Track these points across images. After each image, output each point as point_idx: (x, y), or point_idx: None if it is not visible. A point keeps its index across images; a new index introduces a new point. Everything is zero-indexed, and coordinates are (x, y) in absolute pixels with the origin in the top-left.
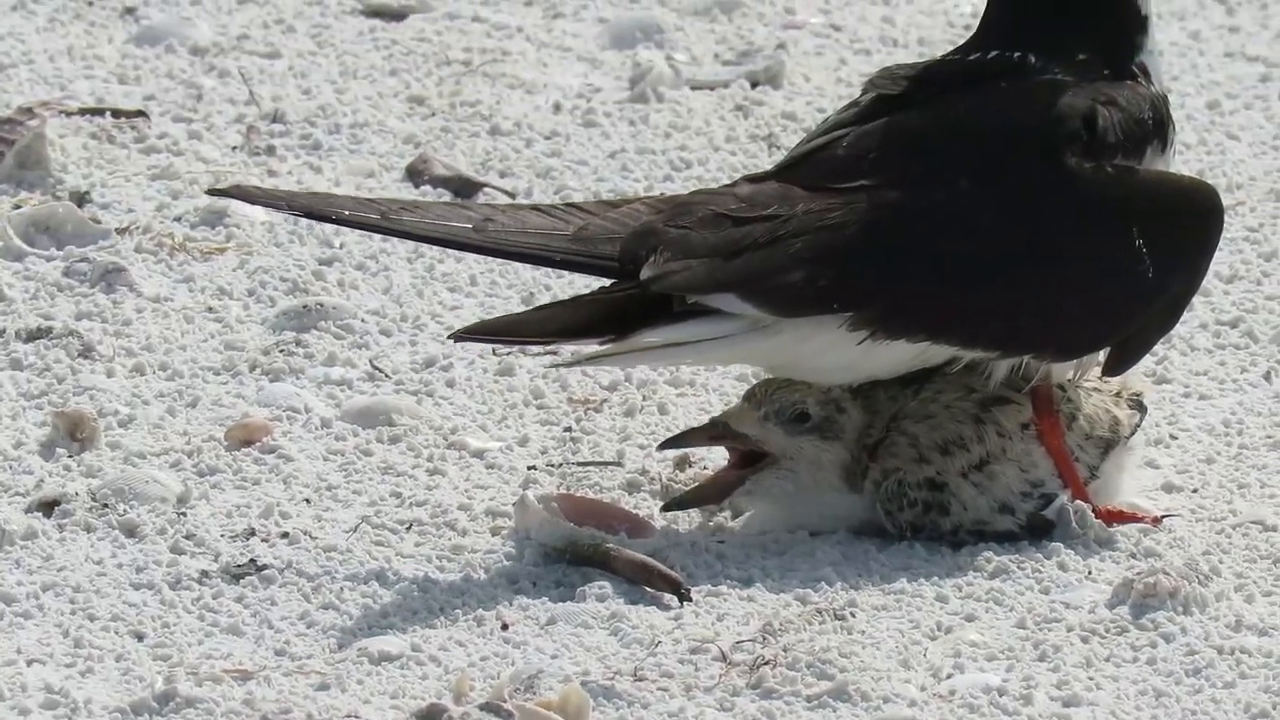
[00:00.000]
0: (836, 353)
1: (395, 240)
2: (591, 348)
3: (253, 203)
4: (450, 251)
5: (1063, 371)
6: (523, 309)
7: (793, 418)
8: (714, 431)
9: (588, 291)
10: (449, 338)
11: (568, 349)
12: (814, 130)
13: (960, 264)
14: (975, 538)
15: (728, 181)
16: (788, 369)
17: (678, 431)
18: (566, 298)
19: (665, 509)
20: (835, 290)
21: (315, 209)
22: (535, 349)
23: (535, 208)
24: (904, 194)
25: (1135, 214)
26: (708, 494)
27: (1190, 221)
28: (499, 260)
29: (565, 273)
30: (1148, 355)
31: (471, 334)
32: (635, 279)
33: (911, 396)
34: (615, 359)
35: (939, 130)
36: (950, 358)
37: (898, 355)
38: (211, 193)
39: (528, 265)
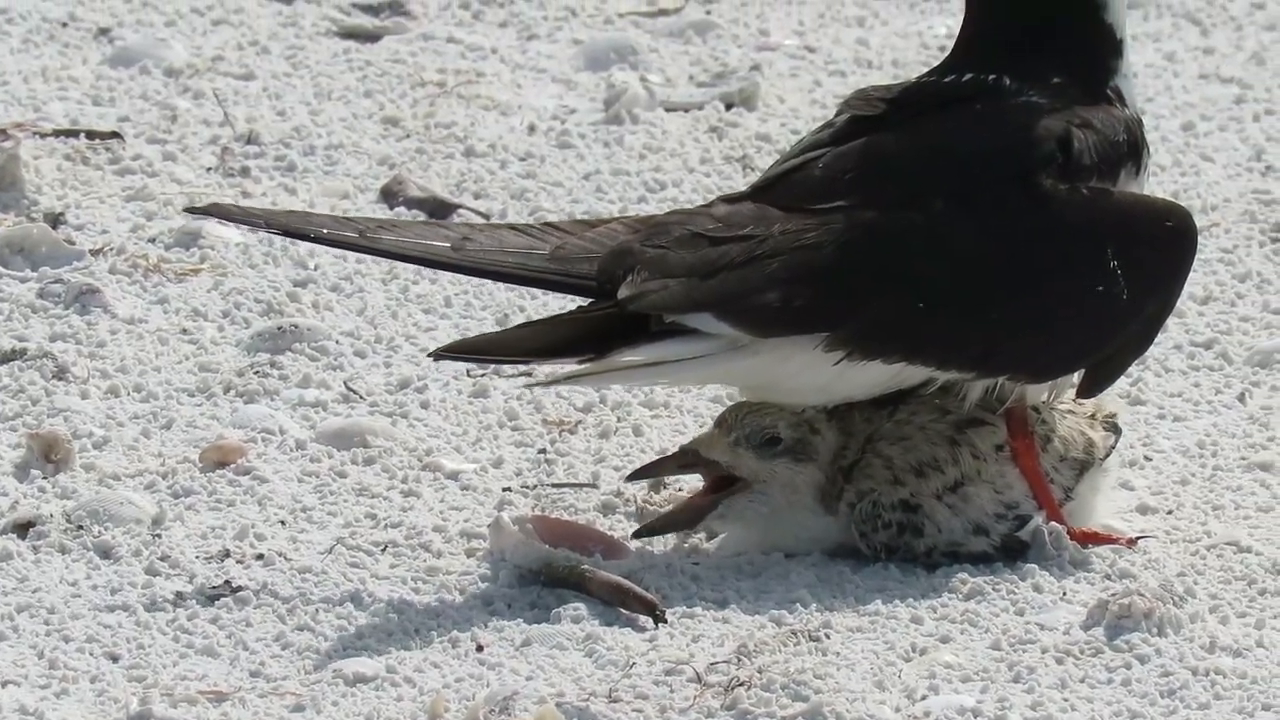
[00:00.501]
0: (812, 373)
1: (370, 262)
2: (569, 367)
3: (231, 221)
4: (425, 273)
5: (1037, 393)
6: (498, 329)
7: (764, 442)
8: (684, 460)
9: (565, 311)
10: (429, 355)
11: (545, 369)
12: (789, 151)
13: (936, 285)
14: (950, 559)
15: (703, 202)
16: (764, 389)
17: (648, 459)
18: (544, 317)
19: (637, 535)
20: (812, 310)
21: (293, 227)
22: (511, 369)
23: (512, 227)
24: (880, 215)
25: (1110, 236)
26: (680, 519)
27: (1164, 244)
28: (475, 280)
29: (541, 293)
30: (1122, 377)
31: (450, 352)
32: (613, 298)
33: (886, 418)
34: (593, 378)
35: (915, 152)
36: (926, 379)
37: (873, 376)
38: (190, 211)
39: (504, 284)
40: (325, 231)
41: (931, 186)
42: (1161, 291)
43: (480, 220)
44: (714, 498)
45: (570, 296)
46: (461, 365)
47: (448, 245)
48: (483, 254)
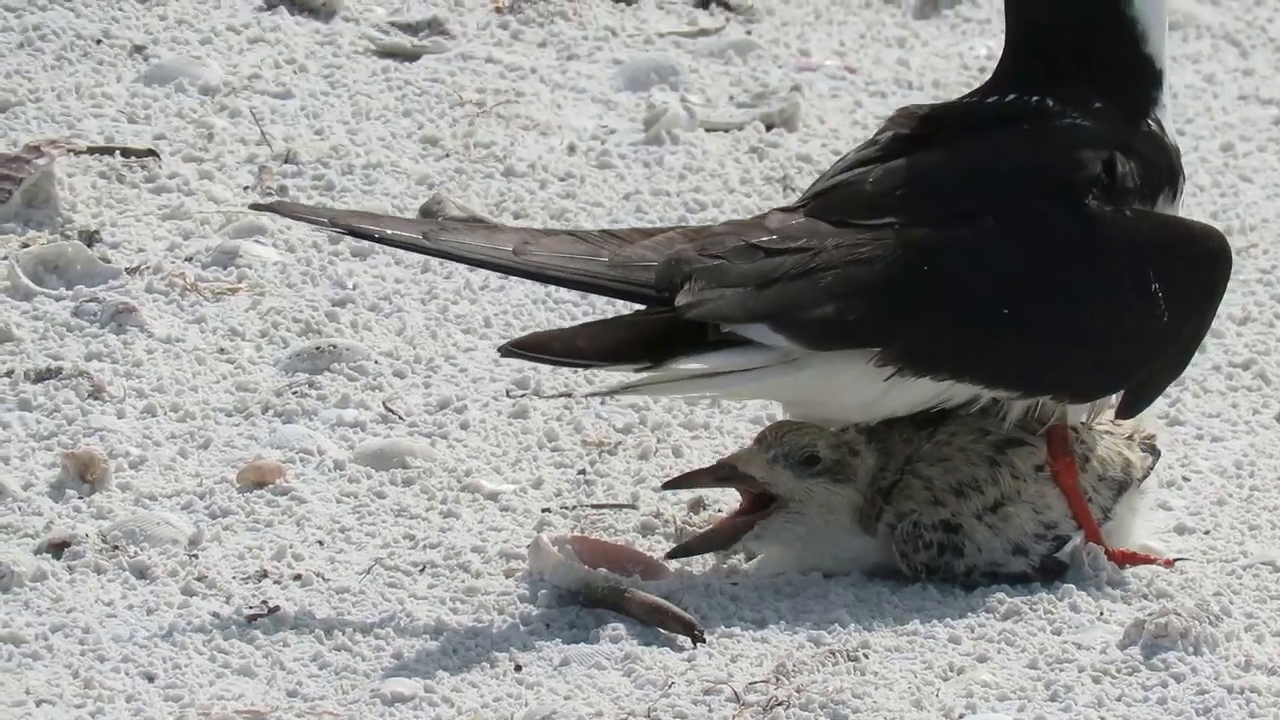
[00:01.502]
0: (862, 388)
1: (409, 281)
2: (627, 376)
3: (295, 218)
4: (464, 293)
5: (1078, 413)
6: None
7: (802, 460)
8: (721, 473)
9: (625, 314)
10: (498, 350)
11: (603, 377)
12: (832, 168)
13: (985, 304)
14: (989, 579)
15: None
16: (812, 405)
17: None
18: (604, 318)
19: (671, 555)
20: (865, 325)
21: (357, 227)
22: (552, 389)
23: (571, 233)
24: (931, 232)
25: (1152, 258)
26: (716, 540)
27: (1202, 266)
28: (515, 300)
29: (586, 307)
30: (1160, 397)
31: (517, 348)
32: (670, 305)
33: (926, 439)
34: (649, 388)
35: (964, 170)
36: (970, 397)
37: (920, 394)
38: (255, 208)
39: (545, 305)
40: (390, 232)
41: (980, 204)
42: (1199, 313)
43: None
44: (750, 518)
45: (628, 303)
46: (500, 386)
47: (510, 249)
48: (544, 258)
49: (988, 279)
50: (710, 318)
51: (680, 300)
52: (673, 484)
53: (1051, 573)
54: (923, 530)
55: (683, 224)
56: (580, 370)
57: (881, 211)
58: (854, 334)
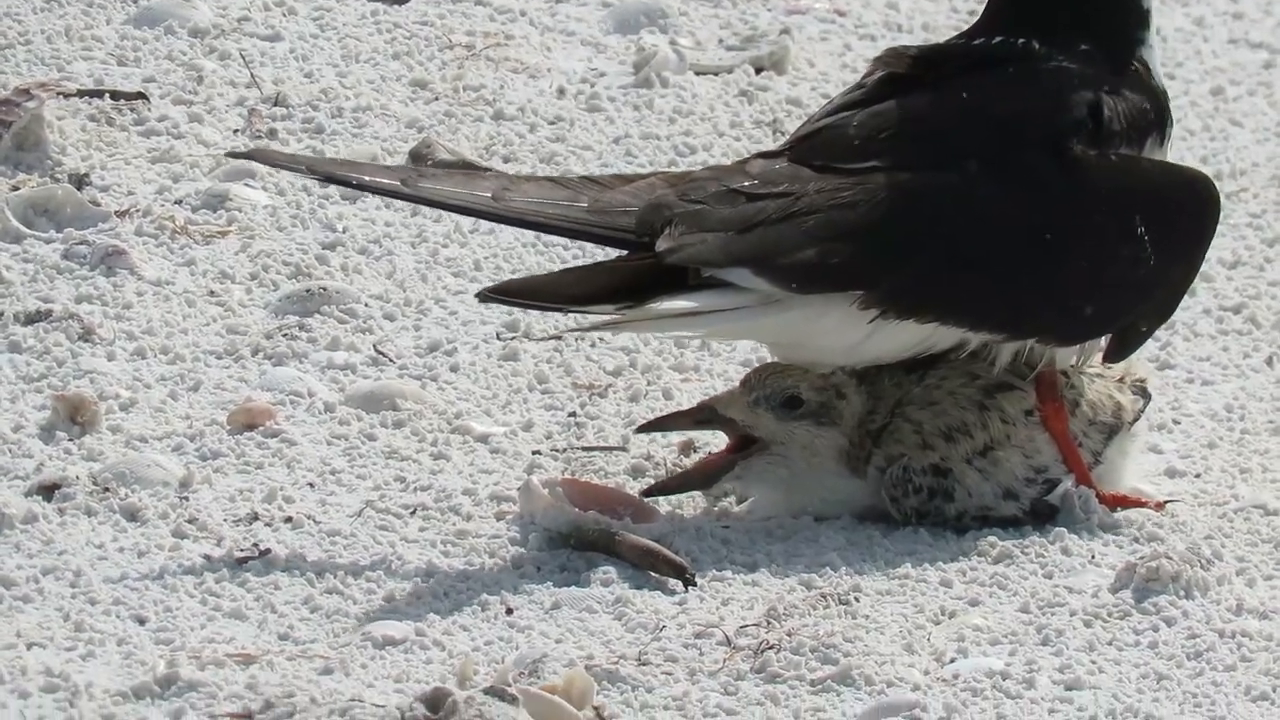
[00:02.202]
0: (846, 331)
1: (399, 224)
2: (608, 314)
3: (275, 166)
4: (455, 236)
5: (1066, 357)
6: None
7: (783, 403)
8: (700, 416)
9: (607, 260)
10: (476, 297)
11: (586, 318)
12: (820, 110)
13: (969, 247)
14: (979, 523)
15: None
16: (796, 347)
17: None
18: (586, 264)
19: (648, 493)
20: (847, 268)
21: (336, 174)
22: (542, 331)
23: (551, 179)
24: (915, 176)
25: (1139, 202)
26: (695, 479)
27: (1191, 210)
28: (504, 244)
29: (575, 249)
30: (1151, 341)
31: (497, 294)
32: (651, 250)
33: (916, 383)
34: (630, 325)
35: (949, 113)
36: (957, 341)
37: (906, 337)
38: (232, 155)
39: (534, 247)
40: (368, 179)
41: (965, 149)
42: (1187, 257)
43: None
44: (731, 458)
45: (609, 248)
46: (491, 329)
47: (489, 195)
48: (524, 204)
49: (972, 223)
50: (691, 262)
51: (661, 245)
52: (650, 426)
53: (1042, 516)
54: (912, 475)
55: (670, 168)
56: (564, 313)
57: (866, 155)
58: (836, 277)
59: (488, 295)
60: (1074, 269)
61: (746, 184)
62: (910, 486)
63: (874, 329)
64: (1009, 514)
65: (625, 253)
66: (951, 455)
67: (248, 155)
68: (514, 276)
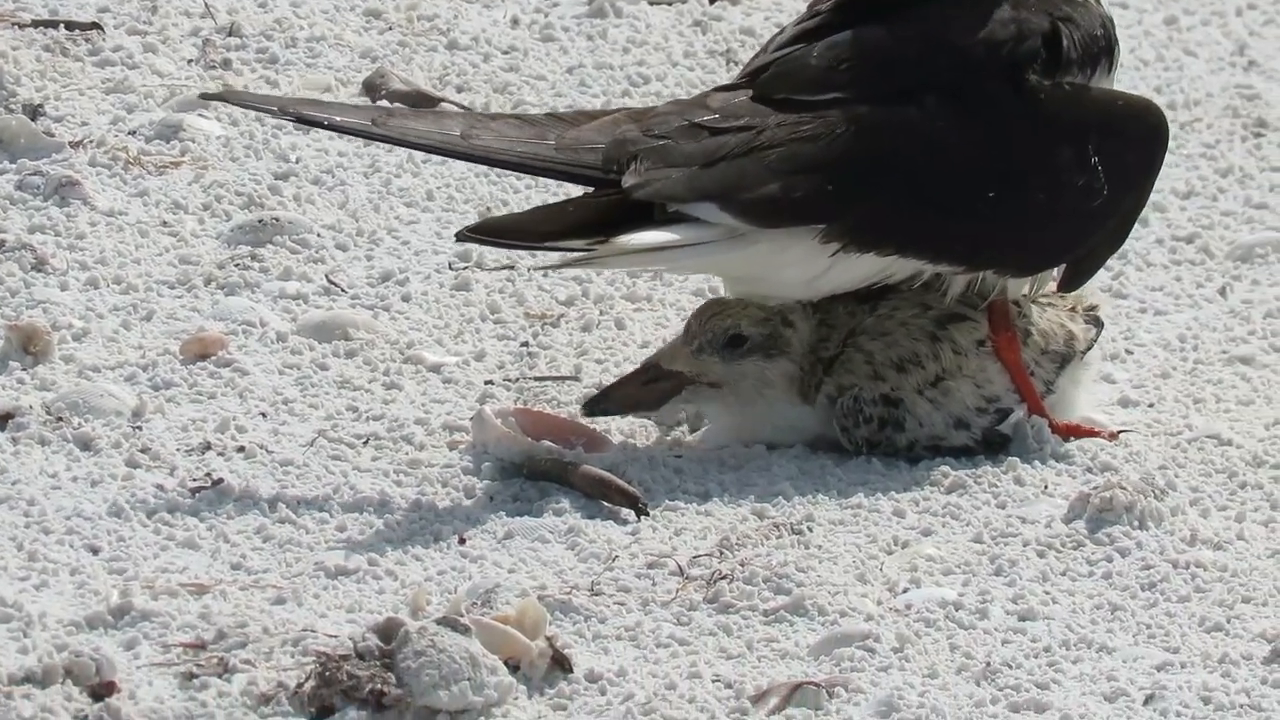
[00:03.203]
0: (807, 264)
1: (351, 155)
2: (576, 250)
3: (244, 106)
4: (408, 166)
5: (1018, 287)
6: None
7: (727, 344)
8: (646, 376)
9: (575, 196)
10: (455, 237)
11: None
12: (773, 40)
13: (929, 179)
14: (931, 453)
15: (685, 97)
16: (758, 280)
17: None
18: (555, 202)
19: (588, 410)
20: (810, 203)
21: (306, 114)
22: (494, 262)
23: (516, 116)
24: (875, 109)
25: (1093, 132)
26: (645, 400)
27: (1141, 139)
28: (457, 174)
29: (531, 185)
30: (1104, 271)
31: (475, 234)
32: (617, 187)
33: (868, 313)
34: (599, 262)
35: (906, 43)
36: (913, 272)
37: (865, 269)
38: (204, 97)
39: (489, 178)
40: (339, 119)
41: (923, 80)
42: (1139, 186)
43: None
44: (680, 382)
45: (576, 185)
46: (443, 258)
47: (458, 134)
48: (492, 141)
49: (931, 155)
50: (657, 197)
51: (627, 180)
52: (596, 403)
53: (994, 446)
54: (863, 405)
55: (623, 98)
56: (538, 251)
57: (825, 87)
58: (800, 211)
59: (466, 235)
60: (1032, 199)
61: (708, 118)
62: (861, 416)
63: (834, 262)
64: (960, 443)
65: (592, 189)
66: (903, 385)
67: (219, 96)
68: (476, 209)
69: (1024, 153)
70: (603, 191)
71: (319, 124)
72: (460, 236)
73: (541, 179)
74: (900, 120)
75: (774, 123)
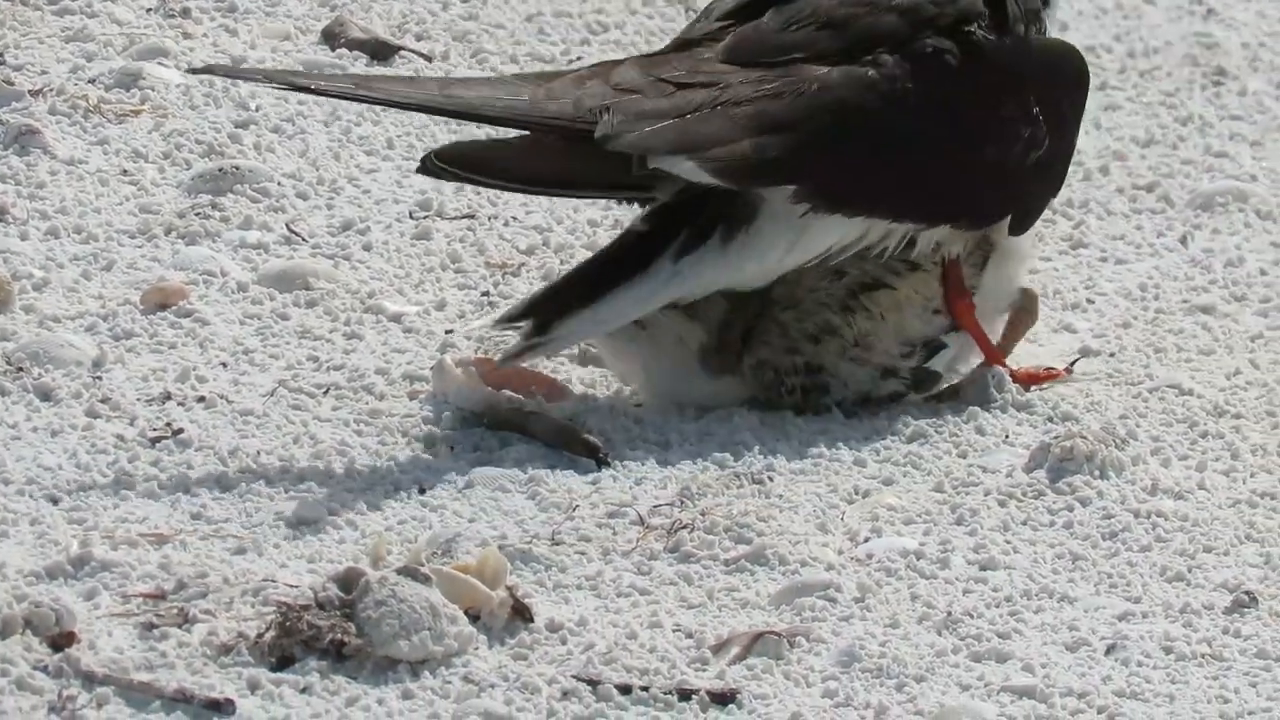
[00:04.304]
0: (781, 226)
1: (312, 103)
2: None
3: (234, 78)
4: (368, 115)
5: (956, 244)
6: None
7: None
8: None
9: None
10: (420, 163)
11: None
12: (713, 6)
13: (892, 135)
14: (862, 406)
15: (645, 45)
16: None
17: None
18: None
19: (504, 360)
20: (781, 161)
21: (295, 82)
22: (456, 201)
23: (486, 79)
24: (834, 68)
25: (1032, 81)
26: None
27: (1075, 84)
28: (418, 123)
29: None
30: (1063, 221)
31: (441, 160)
32: (590, 138)
33: (779, 282)
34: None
35: (856, 4)
36: (877, 238)
37: (832, 234)
38: (193, 71)
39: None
40: (324, 84)
41: (876, 39)
42: (1074, 130)
43: (423, 62)
44: None
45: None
46: (404, 207)
47: (437, 92)
48: (472, 97)
49: (893, 111)
50: (632, 148)
51: (599, 131)
52: (511, 359)
53: (924, 384)
54: (783, 377)
55: (585, 48)
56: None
57: (783, 49)
58: (772, 170)
59: (432, 163)
60: (987, 151)
61: (673, 74)
62: (783, 388)
63: (806, 223)
64: (891, 391)
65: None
66: (821, 354)
67: (206, 71)
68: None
69: (977, 106)
70: (577, 144)
71: (308, 89)
72: (425, 164)
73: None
74: (860, 78)
75: (737, 80)
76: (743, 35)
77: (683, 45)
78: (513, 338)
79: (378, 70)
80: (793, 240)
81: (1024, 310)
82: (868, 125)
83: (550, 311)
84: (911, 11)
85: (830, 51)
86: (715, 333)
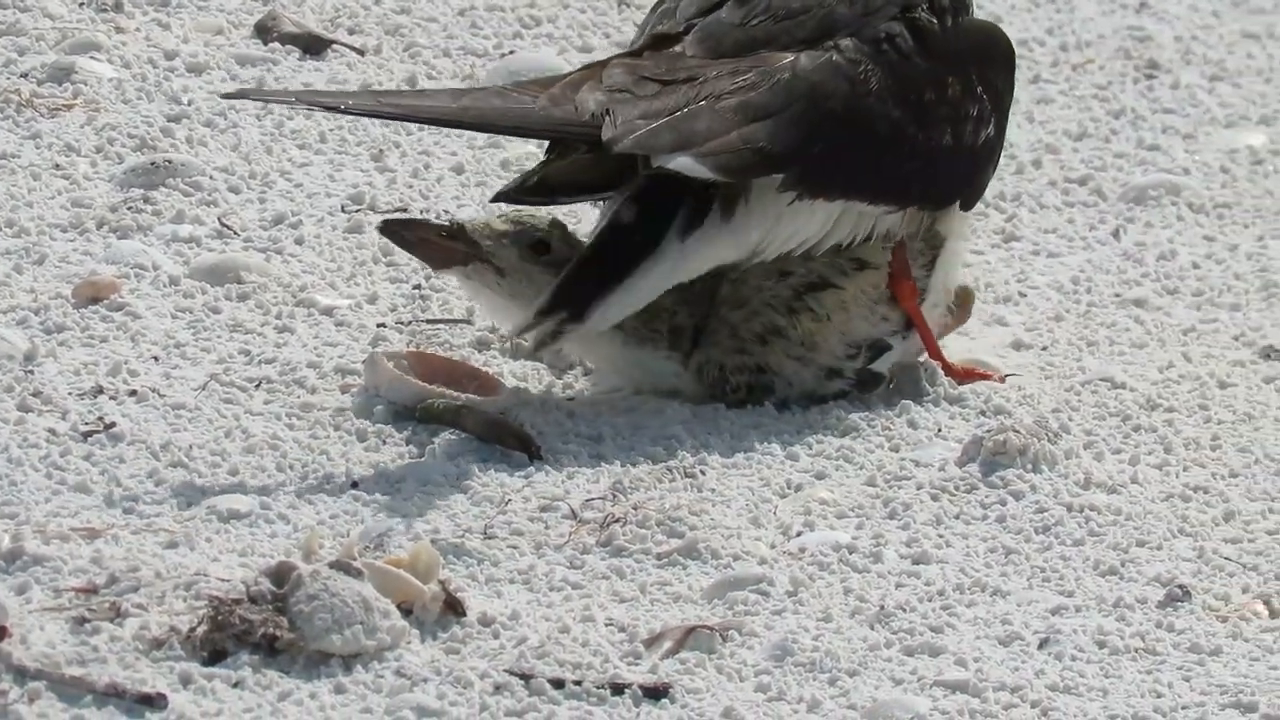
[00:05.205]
0: (769, 214)
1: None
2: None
3: (264, 101)
4: (298, 108)
5: (896, 227)
6: (373, 165)
7: (531, 244)
8: (447, 230)
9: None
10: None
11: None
12: (675, 6)
13: (863, 119)
14: (807, 402)
15: (578, 39)
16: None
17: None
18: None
19: (383, 226)
20: (769, 151)
21: (322, 102)
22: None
23: (485, 89)
24: (801, 56)
25: (974, 63)
26: (432, 250)
27: (1003, 62)
28: (349, 116)
29: (414, 132)
30: (995, 213)
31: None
32: (597, 142)
33: (727, 282)
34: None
35: None
36: (851, 225)
37: (814, 221)
38: (226, 96)
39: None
40: (352, 102)
41: (834, 27)
42: (1008, 107)
43: (355, 56)
44: (471, 253)
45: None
46: (335, 201)
47: (455, 105)
48: (486, 109)
49: (862, 95)
50: (638, 149)
51: (605, 135)
52: (391, 224)
53: (868, 385)
54: (729, 375)
55: (517, 41)
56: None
57: (747, 41)
58: (762, 161)
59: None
60: (944, 131)
61: (654, 73)
62: (728, 386)
63: (795, 211)
64: (835, 390)
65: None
66: (767, 354)
67: (240, 95)
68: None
69: (931, 88)
70: (586, 148)
71: (336, 109)
72: (505, 197)
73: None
74: (826, 62)
75: (713, 74)
76: (705, 29)
77: (657, 41)
78: (441, 330)
79: (270, 54)
80: (779, 214)
81: (960, 306)
82: (841, 109)
83: (581, 298)
84: (862, 1)
85: (794, 40)
86: (668, 334)
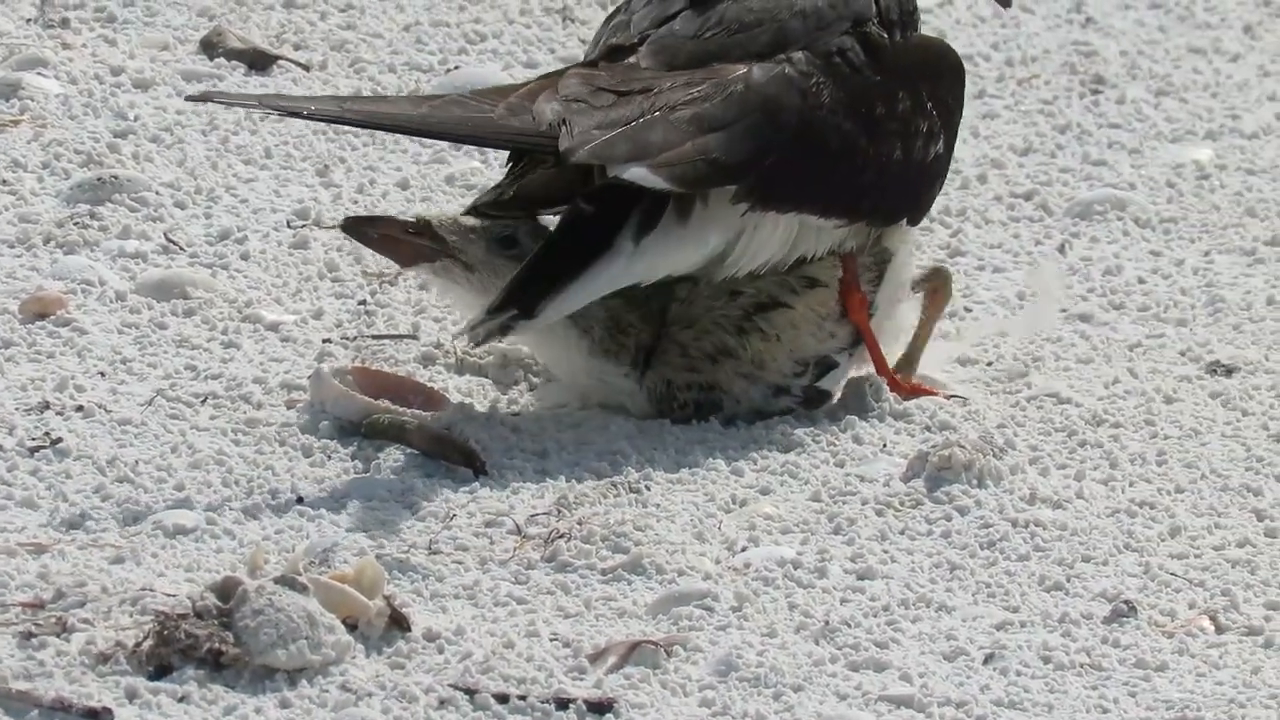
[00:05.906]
0: (725, 226)
1: (190, 112)
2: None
3: (228, 104)
4: (245, 124)
5: (860, 236)
6: (319, 180)
7: (500, 238)
8: (414, 227)
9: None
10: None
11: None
12: (628, 20)
13: (816, 131)
14: (752, 418)
15: (523, 55)
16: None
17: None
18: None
19: (346, 224)
20: (723, 163)
21: (284, 106)
22: (334, 210)
23: (447, 98)
24: (755, 68)
25: (925, 78)
26: (399, 247)
27: (958, 79)
28: (295, 132)
29: (365, 141)
30: (941, 229)
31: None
32: (555, 152)
33: (676, 300)
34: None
35: (760, 10)
36: (816, 232)
37: (773, 231)
38: (190, 99)
39: (328, 135)
40: (315, 108)
41: (786, 41)
42: (958, 122)
43: (301, 72)
44: (439, 250)
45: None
46: (281, 216)
47: (417, 113)
48: (445, 117)
49: (815, 108)
50: (594, 159)
51: (562, 145)
52: (353, 220)
53: (814, 402)
54: (676, 392)
55: (463, 57)
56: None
57: (701, 53)
58: (716, 173)
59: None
60: (895, 145)
61: (609, 84)
62: (675, 403)
63: (747, 221)
64: (783, 408)
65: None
66: (716, 372)
67: (203, 98)
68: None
69: (882, 102)
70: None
71: (299, 114)
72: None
73: (381, 136)
74: (779, 75)
75: (667, 85)
76: (659, 41)
77: (612, 53)
78: (386, 345)
79: (216, 70)
80: (734, 224)
81: (938, 289)
82: (795, 122)
83: (533, 296)
84: (815, 15)
85: (747, 53)
86: (633, 349)
